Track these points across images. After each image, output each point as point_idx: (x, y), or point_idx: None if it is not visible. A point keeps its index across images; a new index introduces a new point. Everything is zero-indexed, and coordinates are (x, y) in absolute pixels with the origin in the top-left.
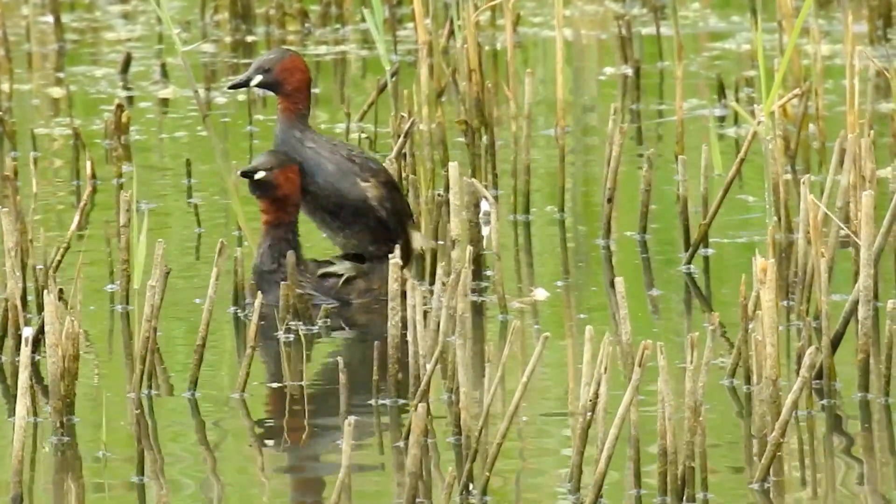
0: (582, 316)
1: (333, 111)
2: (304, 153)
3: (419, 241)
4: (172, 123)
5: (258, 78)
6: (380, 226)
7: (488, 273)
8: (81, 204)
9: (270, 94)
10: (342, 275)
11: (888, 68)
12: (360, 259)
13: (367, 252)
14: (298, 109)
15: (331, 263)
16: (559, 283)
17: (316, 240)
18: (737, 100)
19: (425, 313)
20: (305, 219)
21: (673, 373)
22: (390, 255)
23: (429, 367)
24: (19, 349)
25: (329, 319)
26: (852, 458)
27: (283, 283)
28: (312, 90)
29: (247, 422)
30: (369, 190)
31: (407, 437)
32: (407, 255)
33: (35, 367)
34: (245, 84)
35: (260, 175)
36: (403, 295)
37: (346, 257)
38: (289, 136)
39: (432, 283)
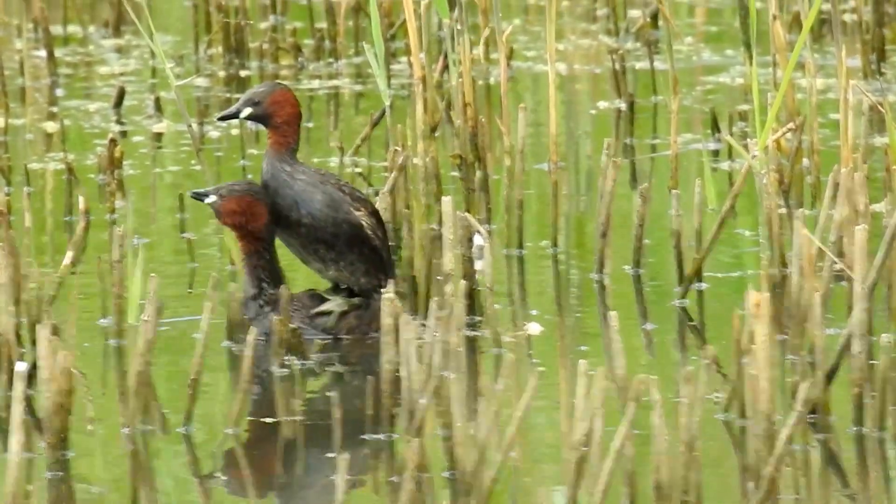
0: (580, 348)
1: (326, 145)
2: (295, 186)
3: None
4: (166, 158)
5: (248, 111)
6: (374, 255)
7: (482, 307)
8: (75, 238)
9: (262, 127)
10: (333, 311)
11: (882, 102)
12: (351, 293)
13: (358, 285)
14: (288, 144)
15: (323, 299)
16: (553, 318)
17: (303, 271)
18: (731, 134)
19: (419, 348)
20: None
21: (667, 407)
22: (382, 290)
23: (423, 401)
24: (13, 384)
25: (323, 354)
26: (847, 493)
27: (275, 317)
28: (305, 124)
29: (241, 456)
30: (363, 218)
31: (401, 473)
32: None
33: (29, 402)
34: (234, 116)
35: (209, 200)
36: (397, 330)
37: (335, 290)
38: (278, 170)
39: (425, 317)
